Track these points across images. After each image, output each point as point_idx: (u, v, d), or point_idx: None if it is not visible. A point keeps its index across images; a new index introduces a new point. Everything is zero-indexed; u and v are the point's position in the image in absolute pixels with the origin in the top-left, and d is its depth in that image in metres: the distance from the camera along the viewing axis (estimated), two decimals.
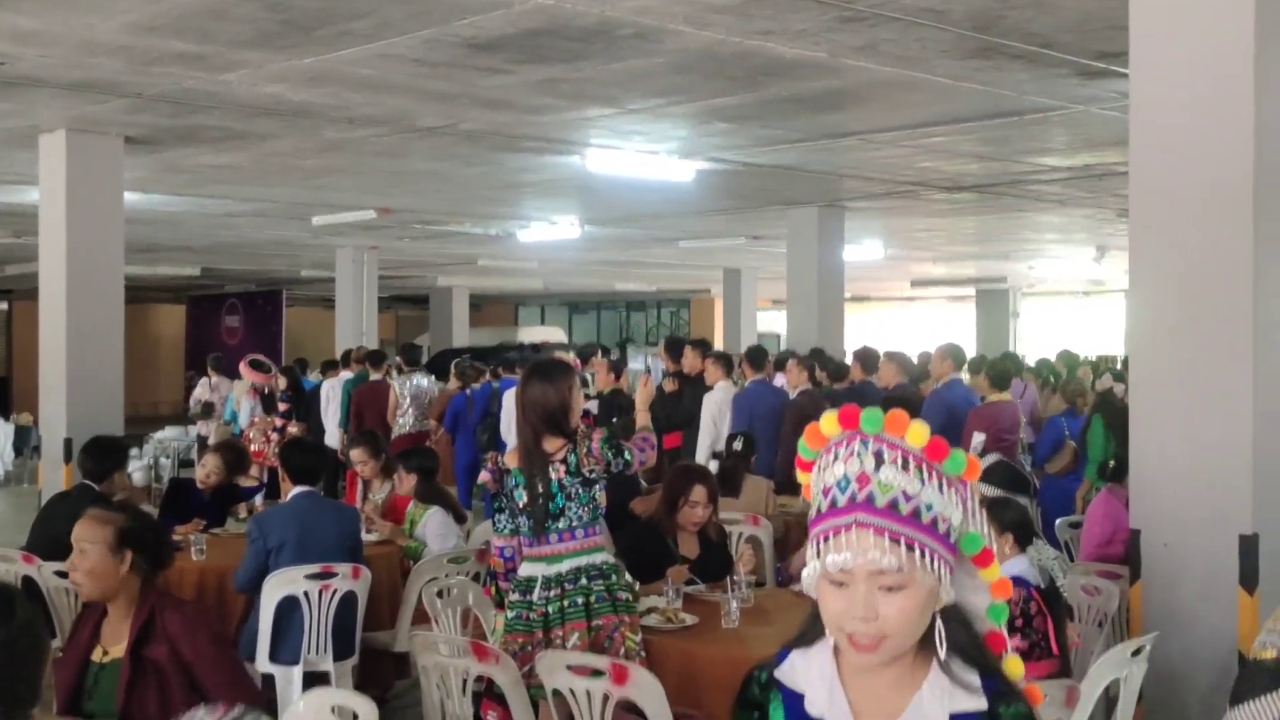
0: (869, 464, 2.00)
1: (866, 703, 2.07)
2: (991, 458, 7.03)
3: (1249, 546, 5.10)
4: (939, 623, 2.03)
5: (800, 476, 2.14)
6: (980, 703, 2.04)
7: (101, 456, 7.25)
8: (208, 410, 15.18)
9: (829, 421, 2.07)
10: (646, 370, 5.79)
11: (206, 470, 7.93)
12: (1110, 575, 6.13)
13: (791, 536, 8.01)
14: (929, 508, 1.99)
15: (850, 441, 2.04)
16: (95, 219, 9.48)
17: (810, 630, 2.13)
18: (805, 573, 2.03)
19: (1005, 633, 2.13)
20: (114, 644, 4.09)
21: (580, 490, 5.02)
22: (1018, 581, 4.82)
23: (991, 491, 5.80)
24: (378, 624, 6.82)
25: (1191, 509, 5.23)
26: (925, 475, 2.00)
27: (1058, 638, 4.87)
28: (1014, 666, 2.11)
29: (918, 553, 1.97)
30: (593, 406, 10.87)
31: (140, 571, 4.08)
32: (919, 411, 9.23)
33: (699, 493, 6.11)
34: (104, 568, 4.02)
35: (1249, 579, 5.11)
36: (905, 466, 2.00)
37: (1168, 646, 4.90)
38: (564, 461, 5.02)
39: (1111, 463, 7.58)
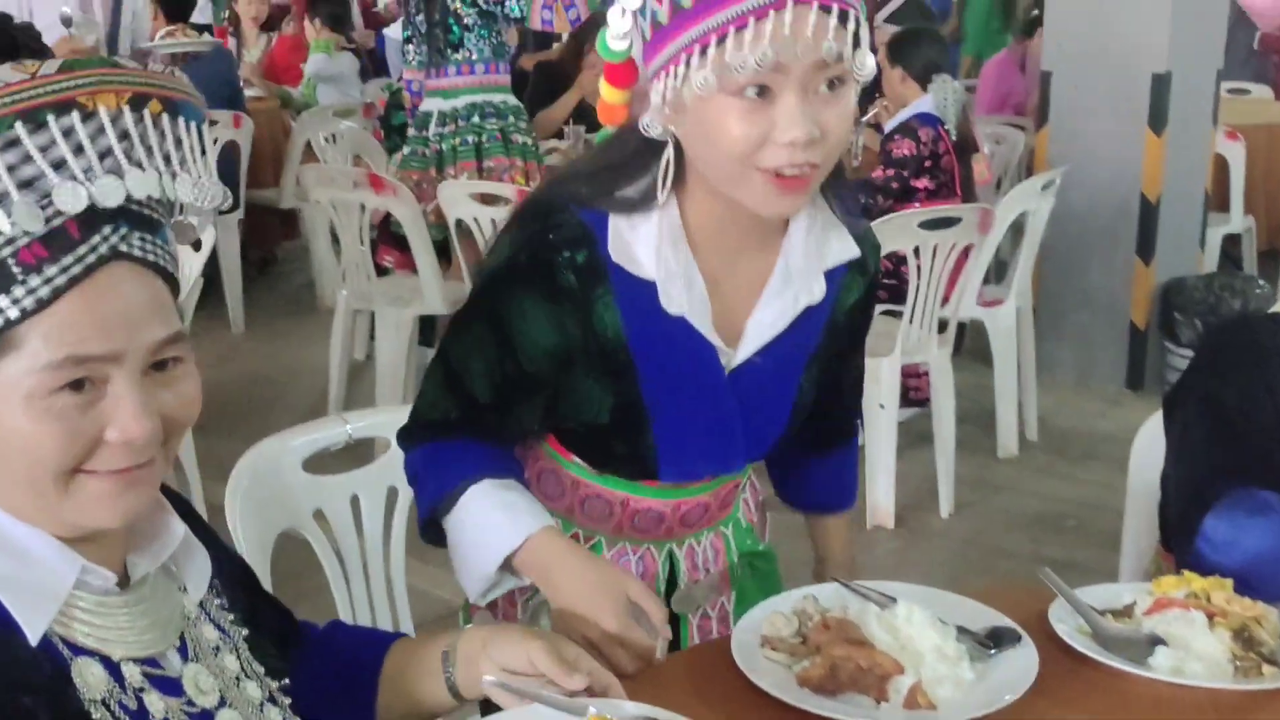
0: None
1: (721, 273, 1.61)
2: None
3: (1161, 86, 5.03)
4: None
5: None
6: (849, 246, 1.67)
7: None
8: None
9: None
10: None
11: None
12: (1013, 127, 6.08)
13: None
14: None
15: None
16: None
17: (632, 183, 1.57)
18: (669, 90, 1.45)
19: None
20: None
21: (477, 20, 4.72)
22: (925, 119, 4.71)
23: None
24: (262, 184, 6.58)
25: (1105, 48, 5.11)
26: None
27: (962, 181, 4.80)
28: None
29: (852, 25, 1.43)
30: None
31: None
32: None
33: None
34: None
35: (1158, 119, 5.06)
36: None
37: (1070, 188, 4.88)
38: None
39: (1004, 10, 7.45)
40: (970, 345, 5.20)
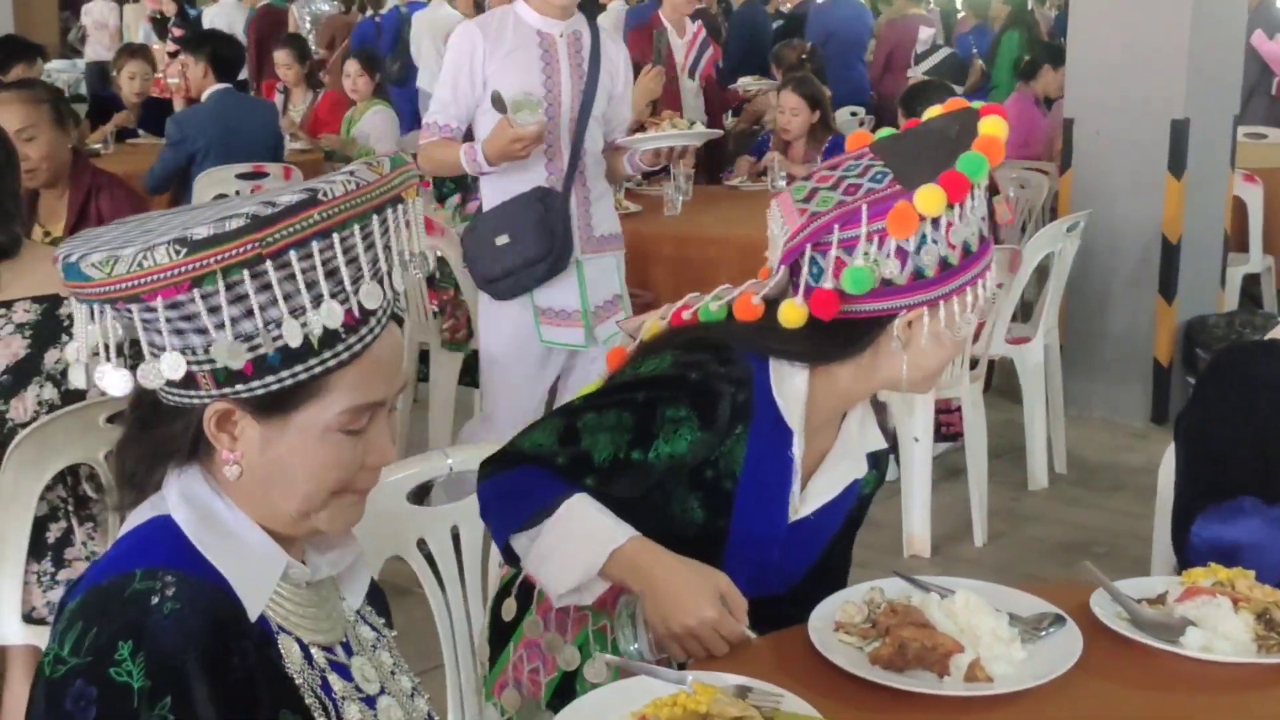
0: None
1: (808, 439, 1.89)
2: (944, 52, 6.97)
3: (1180, 131, 5.22)
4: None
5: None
6: (880, 437, 1.98)
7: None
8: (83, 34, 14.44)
9: (937, 201, 1.73)
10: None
11: (131, 74, 7.45)
12: (1037, 171, 6.27)
13: (723, 147, 7.97)
14: None
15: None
16: None
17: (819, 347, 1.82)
18: (935, 333, 1.77)
19: None
20: (52, 222, 4.00)
21: None
22: None
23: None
24: None
25: (1126, 96, 5.31)
26: None
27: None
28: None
29: None
30: None
31: (72, 146, 3.97)
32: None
33: None
34: (56, 147, 3.80)
35: (1177, 164, 5.25)
36: None
37: (1094, 230, 5.06)
38: None
39: (1025, 57, 7.63)
40: (998, 383, 5.37)
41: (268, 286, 1.22)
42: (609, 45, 3.67)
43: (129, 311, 1.24)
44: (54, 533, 2.72)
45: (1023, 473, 4.86)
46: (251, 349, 1.25)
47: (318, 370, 1.27)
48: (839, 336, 1.79)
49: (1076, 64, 5.56)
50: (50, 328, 2.70)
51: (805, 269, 1.77)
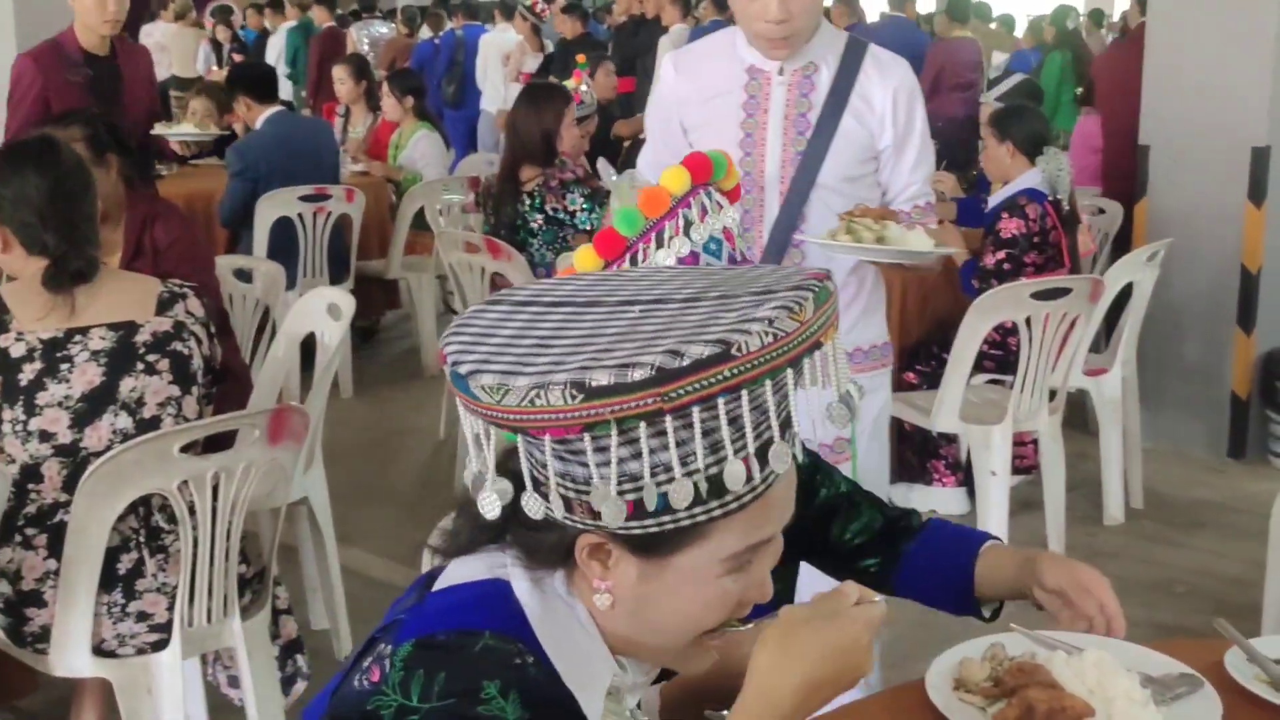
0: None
1: None
2: (1017, 77, 6.86)
3: (1260, 159, 5.10)
4: None
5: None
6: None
7: None
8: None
9: (679, 177, 1.65)
10: None
11: (197, 116, 7.48)
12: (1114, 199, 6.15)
13: None
14: None
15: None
16: None
17: None
18: None
19: None
20: (109, 254, 3.97)
21: (543, 226, 4.89)
22: (1032, 195, 4.76)
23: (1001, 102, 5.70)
24: (366, 255, 6.76)
25: (1204, 122, 5.20)
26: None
27: (1069, 251, 4.88)
28: None
29: None
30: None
31: (125, 177, 3.92)
32: None
33: None
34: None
35: (1258, 192, 5.13)
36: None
37: (1169, 259, 4.93)
38: (530, 195, 4.90)
39: (1079, 90, 7.56)
40: (1065, 414, 5.26)
41: (663, 436, 1.14)
42: (873, 85, 2.70)
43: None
44: (125, 564, 2.67)
45: (1097, 508, 4.74)
46: (635, 489, 1.16)
47: (702, 520, 1.18)
48: None
49: (1152, 90, 5.45)
50: (126, 356, 2.66)
51: None
